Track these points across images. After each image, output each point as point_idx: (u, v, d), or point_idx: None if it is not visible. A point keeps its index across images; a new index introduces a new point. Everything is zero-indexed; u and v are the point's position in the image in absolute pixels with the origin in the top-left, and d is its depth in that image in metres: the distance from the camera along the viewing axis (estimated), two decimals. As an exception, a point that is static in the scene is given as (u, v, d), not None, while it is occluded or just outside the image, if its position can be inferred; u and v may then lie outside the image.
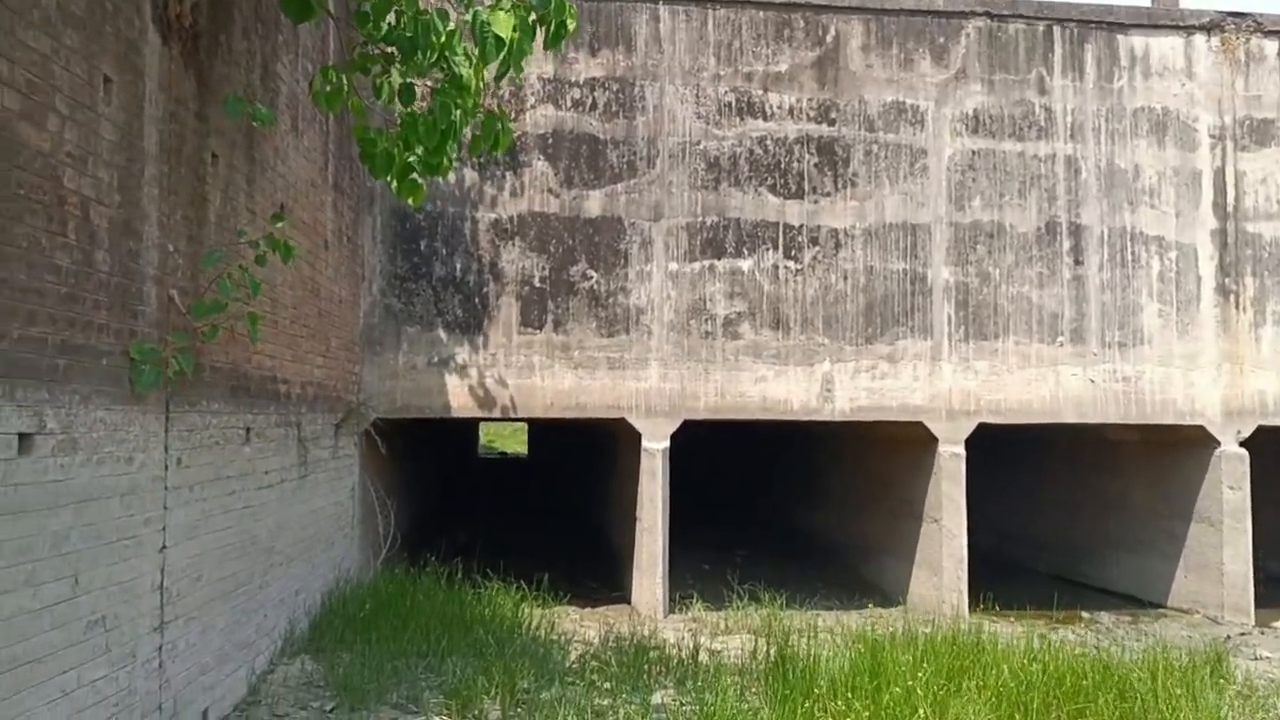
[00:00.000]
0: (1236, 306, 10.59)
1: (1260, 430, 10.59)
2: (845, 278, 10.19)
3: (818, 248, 10.16)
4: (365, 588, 8.69)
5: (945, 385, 10.26)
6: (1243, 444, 10.51)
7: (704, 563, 13.95)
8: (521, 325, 9.82)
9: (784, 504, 15.64)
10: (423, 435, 16.90)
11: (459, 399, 9.70)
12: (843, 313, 10.17)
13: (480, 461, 40.13)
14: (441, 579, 9.41)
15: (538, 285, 9.85)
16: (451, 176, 9.78)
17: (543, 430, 27.48)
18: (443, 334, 9.73)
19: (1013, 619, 10.55)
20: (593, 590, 11.81)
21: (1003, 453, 12.29)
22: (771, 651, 7.51)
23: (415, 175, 6.45)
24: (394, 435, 12.11)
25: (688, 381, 9.96)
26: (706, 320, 10.01)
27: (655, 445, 9.87)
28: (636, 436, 10.03)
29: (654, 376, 9.92)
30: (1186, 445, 10.82)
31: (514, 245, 9.85)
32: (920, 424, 10.26)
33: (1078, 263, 10.43)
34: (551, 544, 15.47)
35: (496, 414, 9.73)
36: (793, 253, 10.13)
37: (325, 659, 6.79)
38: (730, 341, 10.02)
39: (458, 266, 9.79)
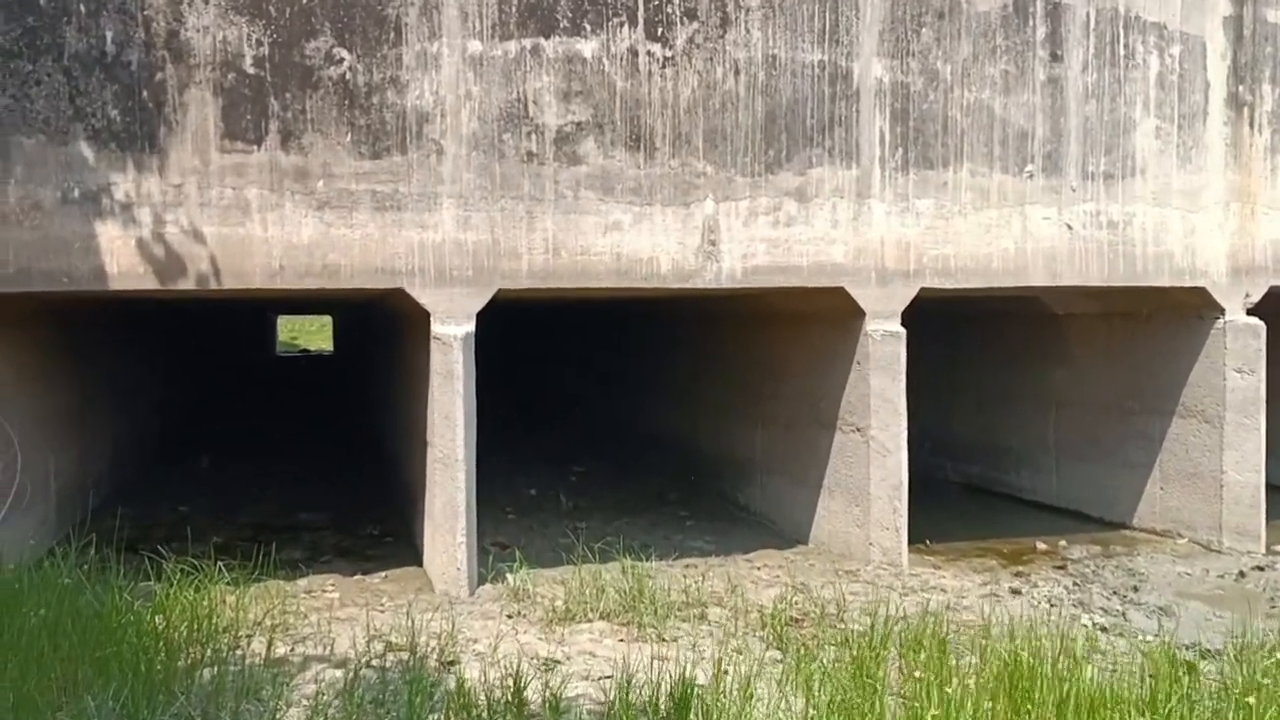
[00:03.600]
0: (1250, 125, 7.82)
1: (1271, 294, 7.98)
2: (737, 72, 6.78)
3: (696, 25, 6.68)
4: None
5: (876, 234, 7.10)
6: (1249, 312, 7.87)
7: (529, 486, 10.62)
8: (226, 138, 5.98)
9: (634, 402, 12.41)
10: (161, 326, 12.62)
11: (121, 260, 5.84)
12: (733, 126, 6.79)
13: (274, 361, 35.24)
14: (94, 560, 5.73)
15: (252, 72, 6.00)
16: (90, -118, 5.72)
17: (350, 319, 23.02)
18: (87, 150, 5.79)
19: (960, 560, 7.72)
20: (373, 542, 8.29)
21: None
22: (661, 684, 4.25)
23: None
24: (64, 322, 8.05)
25: (501, 230, 6.41)
26: (529, 135, 6.43)
27: (451, 330, 6.31)
28: (424, 318, 6.46)
29: (448, 223, 6.32)
30: (1170, 315, 8.11)
31: (208, 2, 5.93)
32: (840, 290, 7.09)
33: (1055, 58, 7.36)
34: (330, 470, 11.77)
35: (187, 284, 5.93)
36: (660, 31, 6.62)
37: None
38: (567, 168, 6.50)
39: (109, 36, 5.80)
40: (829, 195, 6.99)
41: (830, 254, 7.01)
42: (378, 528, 8.73)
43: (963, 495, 10.28)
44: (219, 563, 5.98)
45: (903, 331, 7.10)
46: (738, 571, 7.38)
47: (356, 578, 7.15)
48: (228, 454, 12.85)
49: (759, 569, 7.49)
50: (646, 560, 7.67)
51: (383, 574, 7.20)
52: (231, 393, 20.68)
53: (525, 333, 16.66)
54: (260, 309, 23.21)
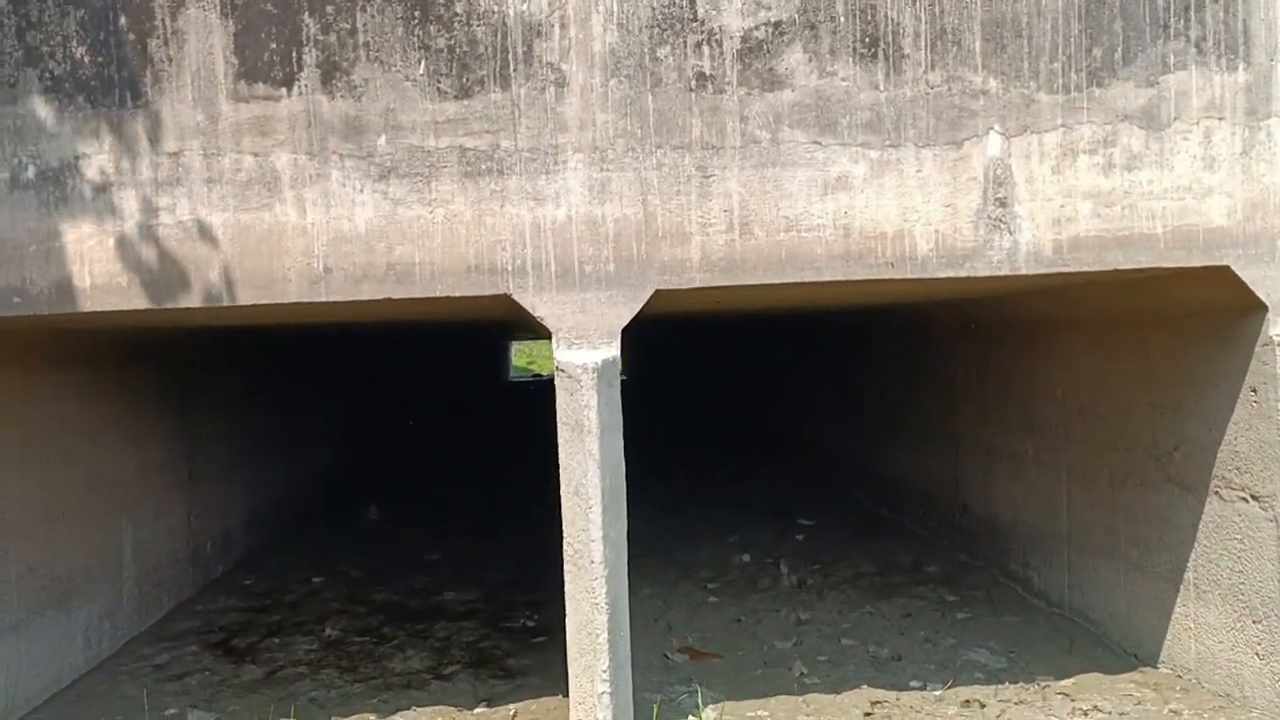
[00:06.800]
0: None
1: None
2: (1035, -77, 4.18)
3: None
4: None
5: (1282, 177, 4.28)
6: None
7: (742, 548, 8.22)
8: (242, 80, 3.99)
9: (873, 439, 9.78)
10: (352, 353, 10.99)
11: (96, 269, 3.94)
12: (1032, 13, 4.19)
13: (503, 389, 34.28)
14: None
15: (278, -20, 3.99)
16: None
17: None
18: (43, 108, 3.94)
19: None
20: (520, 641, 6.12)
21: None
22: None
23: None
24: (166, 357, 6.30)
25: (659, 199, 4.09)
26: (699, 47, 4.10)
27: (581, 357, 4.03)
28: (546, 338, 4.23)
29: (575, 191, 4.07)
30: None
31: (213, -116, 3.96)
32: (1221, 271, 4.31)
33: None
34: (511, 525, 9.75)
35: (191, 300, 3.96)
36: None
37: None
38: (760, 96, 4.11)
39: (73, -59, 3.95)
40: (1197, 117, 4.24)
41: (1203, 213, 4.25)
42: (533, 617, 6.59)
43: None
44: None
45: (1338, 337, 4.23)
46: (1052, 715, 4.73)
47: (479, 711, 5.00)
48: (407, 502, 11.18)
49: (1086, 713, 4.77)
50: (903, 685, 5.17)
51: (513, 708, 5.00)
52: (438, 428, 19.30)
53: (734, 348, 14.30)
54: (489, 334, 21.13)
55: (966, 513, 7.58)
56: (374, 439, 13.92)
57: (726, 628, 6.30)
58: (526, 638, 6.20)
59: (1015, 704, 4.90)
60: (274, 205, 3.97)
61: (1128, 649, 5.40)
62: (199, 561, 7.44)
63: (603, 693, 3.93)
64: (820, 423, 11.40)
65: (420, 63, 4.00)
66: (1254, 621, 4.48)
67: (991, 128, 4.17)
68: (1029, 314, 6.11)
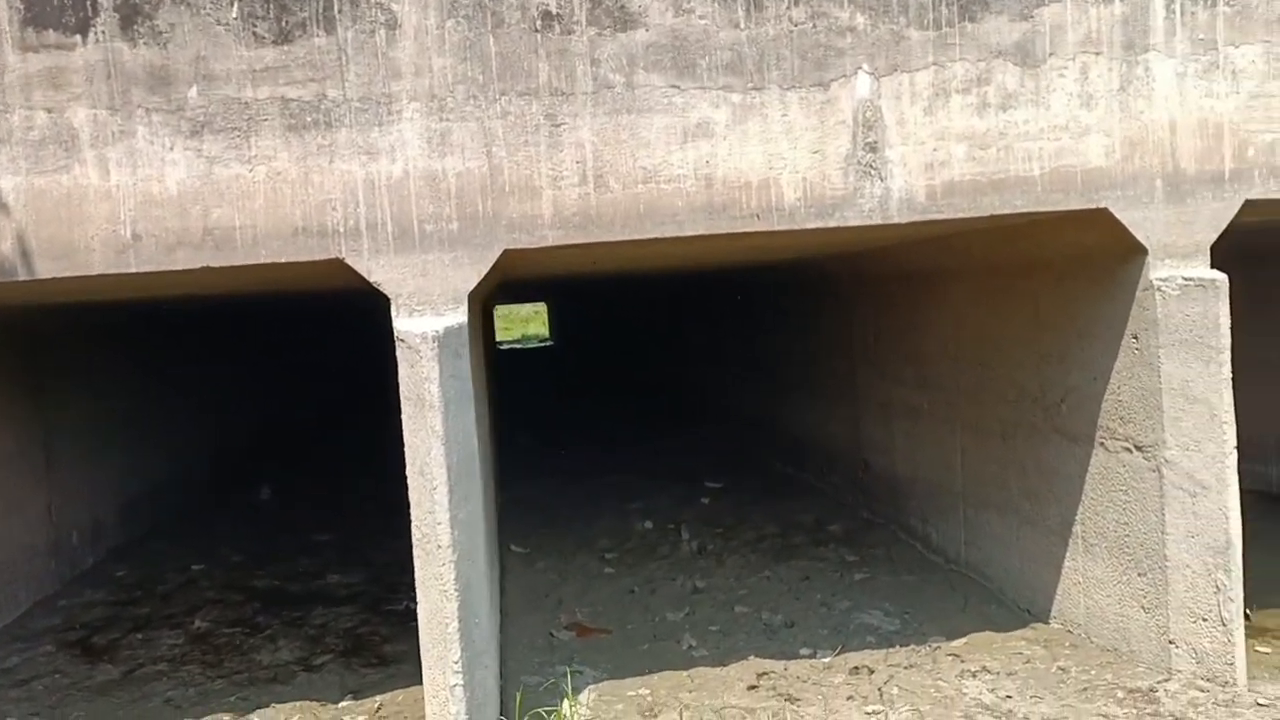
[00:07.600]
0: None
1: None
2: None
3: None
4: None
5: (1161, 114, 4.10)
6: None
7: (645, 515, 8.00)
8: (30, 26, 3.56)
9: (782, 398, 9.61)
10: (252, 322, 10.31)
11: None
12: (897, -58, 3.93)
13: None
14: None
15: (65, -87, 3.56)
16: None
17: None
18: None
19: None
20: (398, 625, 5.82)
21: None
22: None
23: None
24: (16, 341, 5.74)
25: (505, 150, 3.77)
26: (543, -15, 3.76)
27: (421, 326, 3.70)
28: (384, 305, 3.89)
29: (412, 144, 3.72)
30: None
31: None
32: (1100, 214, 4.13)
33: None
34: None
35: (-21, 274, 3.55)
36: None
37: None
38: (611, 36, 3.80)
39: None
40: (1073, 52, 4.03)
41: (1081, 153, 4.05)
42: (414, 599, 6.28)
43: (1264, 511, 7.01)
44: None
45: (1221, 279, 4.07)
46: (940, 678, 4.57)
47: (344, 704, 4.70)
48: (304, 480, 10.74)
49: (974, 674, 4.63)
50: (793, 654, 4.99)
51: (378, 700, 4.72)
52: (349, 400, 18.67)
53: (654, 314, 14.06)
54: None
55: (869, 470, 7.44)
56: (273, 414, 13.39)
57: (620, 599, 6.08)
58: (407, 621, 5.86)
59: (905, 668, 4.75)
60: (73, 166, 3.56)
61: (1021, 605, 5.29)
62: (62, 554, 6.98)
63: (455, 685, 3.66)
64: (734, 385, 11.21)
65: (233, 5, 3.61)
66: (1139, 574, 4.37)
67: (860, 67, 3.92)
68: (920, 265, 5.93)
